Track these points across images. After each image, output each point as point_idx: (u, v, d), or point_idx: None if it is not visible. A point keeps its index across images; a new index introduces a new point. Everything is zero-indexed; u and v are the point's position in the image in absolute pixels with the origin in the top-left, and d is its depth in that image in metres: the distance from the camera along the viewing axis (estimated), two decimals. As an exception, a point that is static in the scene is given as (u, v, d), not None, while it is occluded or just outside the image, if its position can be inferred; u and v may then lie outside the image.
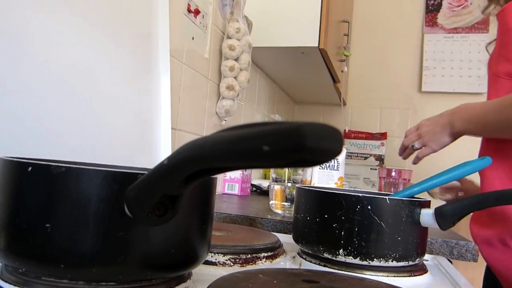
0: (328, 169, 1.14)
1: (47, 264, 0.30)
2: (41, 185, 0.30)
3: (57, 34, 0.60)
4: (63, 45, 0.61)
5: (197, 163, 0.21)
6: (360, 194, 0.47)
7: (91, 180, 0.29)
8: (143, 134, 0.78)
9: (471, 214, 0.74)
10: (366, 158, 2.08)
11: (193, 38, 1.12)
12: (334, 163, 1.14)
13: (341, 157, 1.16)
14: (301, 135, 0.15)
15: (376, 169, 1.98)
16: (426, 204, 0.50)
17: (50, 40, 0.59)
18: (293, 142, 0.15)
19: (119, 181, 0.29)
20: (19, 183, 0.31)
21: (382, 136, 2.09)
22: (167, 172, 0.24)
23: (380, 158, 2.06)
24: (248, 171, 1.33)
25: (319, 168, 1.14)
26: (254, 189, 1.47)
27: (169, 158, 0.23)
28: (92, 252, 0.30)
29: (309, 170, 0.93)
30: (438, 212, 0.47)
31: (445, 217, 0.46)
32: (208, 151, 0.19)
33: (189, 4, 1.08)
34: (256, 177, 1.71)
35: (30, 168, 0.30)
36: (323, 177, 1.13)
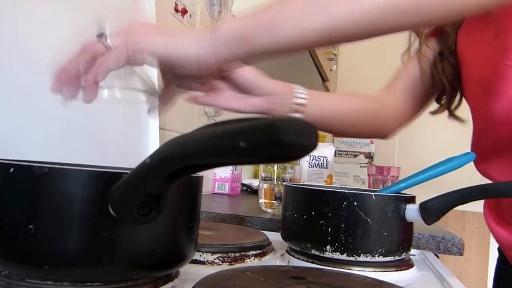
0: (317, 167, 1.15)
1: (31, 266, 0.30)
2: (23, 186, 0.30)
3: (41, 33, 0.60)
4: (48, 45, 0.61)
5: (179, 161, 0.21)
6: (346, 191, 0.48)
7: (75, 180, 0.29)
8: (131, 134, 0.78)
9: (491, 213, 0.71)
10: (355, 156, 2.09)
11: (180, 38, 1.11)
12: (323, 161, 1.15)
13: (330, 155, 1.17)
14: (276, 130, 0.15)
15: (365, 167, 2.00)
16: (412, 200, 0.50)
17: (34, 39, 0.59)
18: (268, 137, 0.15)
19: (103, 180, 0.29)
20: (1, 185, 0.30)
21: (371, 134, 2.10)
22: (150, 170, 0.24)
23: (369, 156, 2.07)
24: (238, 171, 1.33)
25: (308, 166, 1.14)
26: (244, 188, 1.47)
27: (151, 157, 0.23)
28: (77, 253, 0.29)
29: (297, 168, 0.93)
30: (423, 207, 0.47)
31: (430, 212, 0.47)
32: (189, 148, 0.19)
33: (176, 4, 1.07)
34: (246, 176, 1.71)
35: (12, 169, 0.30)
36: (312, 175, 1.14)
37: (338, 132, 0.73)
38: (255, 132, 0.16)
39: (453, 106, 0.76)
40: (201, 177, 0.37)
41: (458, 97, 0.76)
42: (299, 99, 0.62)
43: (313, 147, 0.16)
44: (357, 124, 0.72)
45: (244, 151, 0.16)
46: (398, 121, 0.78)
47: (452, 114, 0.77)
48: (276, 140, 0.15)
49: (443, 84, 0.74)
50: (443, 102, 0.77)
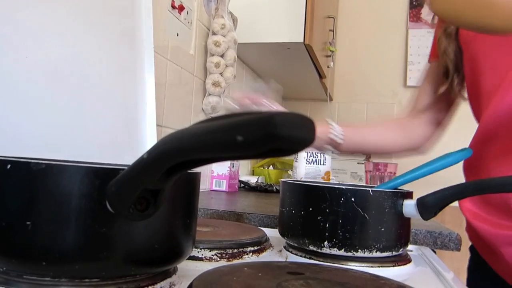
0: (315, 164, 1.15)
1: (29, 262, 0.30)
2: (21, 182, 0.30)
3: (39, 30, 0.59)
4: (45, 42, 0.61)
5: (176, 156, 0.21)
6: (343, 187, 0.48)
7: (72, 176, 0.29)
8: (128, 131, 0.77)
9: (473, 211, 0.68)
10: (353, 152, 2.10)
11: (177, 35, 1.11)
12: (320, 158, 1.15)
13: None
14: (273, 124, 0.15)
15: (363, 164, 2.00)
16: (409, 195, 0.51)
17: (32, 36, 0.58)
18: (265, 131, 0.15)
19: (101, 176, 0.29)
20: (-2, 181, 0.30)
21: (369, 130, 2.10)
22: (147, 165, 0.24)
23: (367, 153, 2.08)
24: (235, 168, 1.33)
25: (306, 163, 1.14)
26: (242, 185, 1.47)
27: (148, 152, 0.23)
28: (74, 249, 0.29)
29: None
30: (420, 203, 0.47)
31: (427, 208, 0.47)
32: (186, 143, 0.19)
33: (173, 0, 1.07)
34: (244, 173, 1.71)
35: (9, 166, 0.30)
36: (310, 171, 1.14)
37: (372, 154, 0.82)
38: (252, 126, 0.16)
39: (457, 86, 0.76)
40: (198, 173, 0.37)
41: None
42: (335, 137, 0.71)
43: (310, 140, 0.16)
44: (389, 149, 0.81)
45: (241, 145, 0.16)
46: (429, 135, 0.83)
47: (456, 93, 0.76)
48: (273, 133, 0.15)
49: (445, 65, 0.74)
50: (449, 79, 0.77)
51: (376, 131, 0.81)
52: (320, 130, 0.69)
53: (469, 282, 0.77)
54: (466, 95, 0.75)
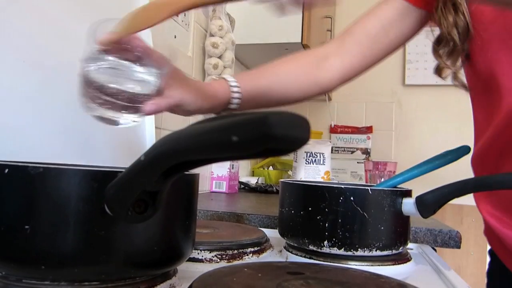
0: (315, 163, 1.15)
1: (28, 266, 0.30)
2: (19, 186, 0.30)
3: (36, 32, 0.59)
4: (43, 45, 0.61)
5: (172, 157, 0.21)
6: (342, 186, 0.48)
7: (70, 180, 0.29)
8: (127, 134, 0.78)
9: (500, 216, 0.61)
10: (352, 152, 2.10)
11: (175, 37, 1.11)
12: (320, 157, 1.15)
13: (327, 151, 1.17)
14: (268, 124, 0.15)
15: (362, 163, 2.00)
16: (408, 194, 0.51)
17: (29, 39, 0.58)
18: (260, 131, 0.15)
19: (99, 179, 0.29)
20: (-4, 185, 0.30)
21: (368, 130, 2.11)
22: (144, 167, 0.24)
23: (366, 152, 2.08)
24: (235, 169, 1.33)
25: (305, 163, 1.14)
26: (242, 186, 1.47)
27: (145, 154, 0.23)
28: (73, 252, 0.29)
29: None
30: (419, 201, 0.47)
31: (426, 206, 0.47)
32: (182, 144, 0.19)
33: (170, 3, 1.07)
34: (244, 174, 1.71)
35: (7, 170, 0.30)
36: (309, 171, 1.14)
37: (281, 104, 0.67)
38: (247, 126, 0.16)
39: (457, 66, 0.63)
40: (197, 175, 0.37)
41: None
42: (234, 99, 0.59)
43: (305, 140, 0.16)
44: (298, 90, 0.67)
45: (237, 145, 0.16)
46: (341, 77, 0.68)
47: (456, 77, 0.64)
48: (268, 133, 0.15)
49: (452, 39, 0.59)
50: (447, 60, 0.62)
51: (276, 70, 0.66)
52: (220, 91, 0.57)
53: (490, 287, 0.71)
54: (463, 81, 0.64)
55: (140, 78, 0.44)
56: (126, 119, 0.46)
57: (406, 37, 0.69)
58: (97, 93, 0.43)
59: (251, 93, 0.61)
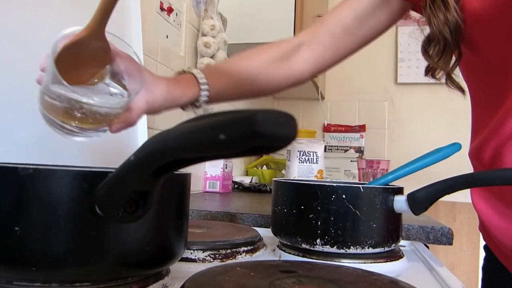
0: (308, 162, 1.15)
1: (18, 268, 0.29)
2: (8, 187, 0.29)
3: (27, 34, 0.59)
4: (34, 46, 0.60)
5: (162, 156, 0.21)
6: (334, 184, 0.48)
7: (60, 181, 0.29)
8: (118, 134, 0.77)
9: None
10: (346, 150, 2.11)
11: (167, 36, 1.11)
12: (313, 156, 1.15)
13: (320, 150, 1.17)
14: (255, 122, 0.15)
15: (356, 161, 2.01)
16: (399, 191, 0.51)
17: (20, 41, 0.58)
18: (247, 129, 0.16)
19: (89, 180, 0.29)
20: (-15, 187, 0.30)
21: (361, 128, 2.12)
22: (134, 167, 0.24)
23: (359, 150, 2.09)
24: (228, 169, 1.33)
25: (299, 162, 1.15)
26: (235, 186, 1.47)
27: (135, 154, 0.23)
28: (64, 253, 0.29)
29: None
30: (411, 198, 0.48)
31: (417, 203, 0.47)
32: (171, 143, 0.19)
33: (161, 2, 1.07)
34: (237, 174, 1.71)
35: (-4, 171, 0.29)
36: (302, 170, 1.15)
37: (253, 97, 0.66)
38: (234, 124, 0.16)
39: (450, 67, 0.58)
40: (188, 174, 0.37)
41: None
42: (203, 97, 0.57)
43: (292, 137, 0.16)
44: (269, 83, 0.65)
45: (225, 143, 0.16)
46: (313, 69, 0.67)
47: (450, 78, 0.59)
48: (255, 131, 0.15)
49: (444, 37, 0.55)
50: (439, 60, 0.58)
51: (246, 63, 0.63)
52: (188, 91, 0.54)
53: (485, 283, 0.71)
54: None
55: (100, 111, 0.43)
56: (87, 135, 0.45)
57: (382, 29, 0.67)
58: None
59: (220, 89, 0.59)
